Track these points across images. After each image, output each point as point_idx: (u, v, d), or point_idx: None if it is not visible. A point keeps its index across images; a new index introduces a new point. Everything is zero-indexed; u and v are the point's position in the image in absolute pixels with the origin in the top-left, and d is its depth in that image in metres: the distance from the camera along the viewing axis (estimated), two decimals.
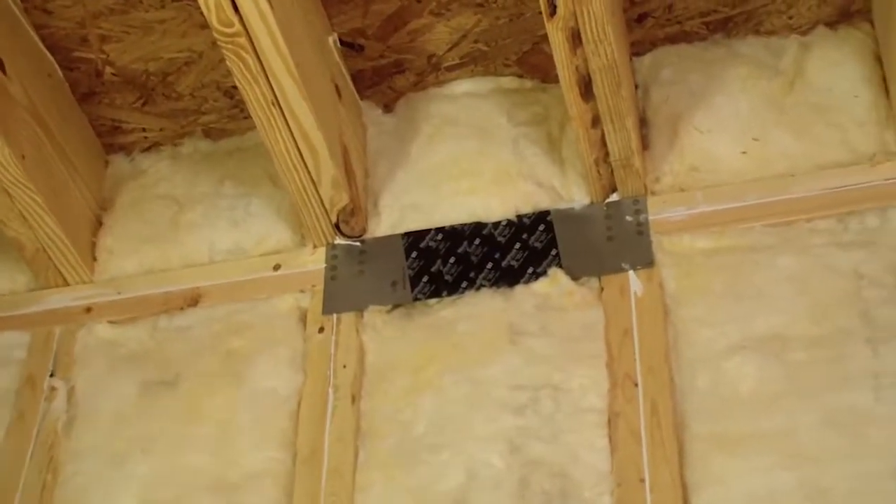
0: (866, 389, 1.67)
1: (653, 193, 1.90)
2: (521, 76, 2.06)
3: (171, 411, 1.89)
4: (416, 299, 1.91)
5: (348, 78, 2.03)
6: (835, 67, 1.93)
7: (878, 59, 1.91)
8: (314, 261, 1.98)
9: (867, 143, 1.86)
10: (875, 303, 1.73)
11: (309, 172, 1.89)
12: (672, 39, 2.01)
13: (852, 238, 1.80)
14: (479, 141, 2.00)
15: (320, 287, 1.95)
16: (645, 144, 1.93)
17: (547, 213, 1.92)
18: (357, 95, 2.06)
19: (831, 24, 1.97)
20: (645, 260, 1.85)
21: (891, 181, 1.82)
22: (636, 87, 1.98)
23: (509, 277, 1.89)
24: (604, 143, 1.83)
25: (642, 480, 1.67)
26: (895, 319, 1.71)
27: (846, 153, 1.86)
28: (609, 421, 1.73)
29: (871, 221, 1.81)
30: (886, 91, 1.88)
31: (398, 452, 1.77)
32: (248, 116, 1.87)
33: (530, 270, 1.88)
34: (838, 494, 1.61)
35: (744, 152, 1.89)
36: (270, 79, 1.79)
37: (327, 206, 1.94)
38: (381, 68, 2.06)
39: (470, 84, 2.07)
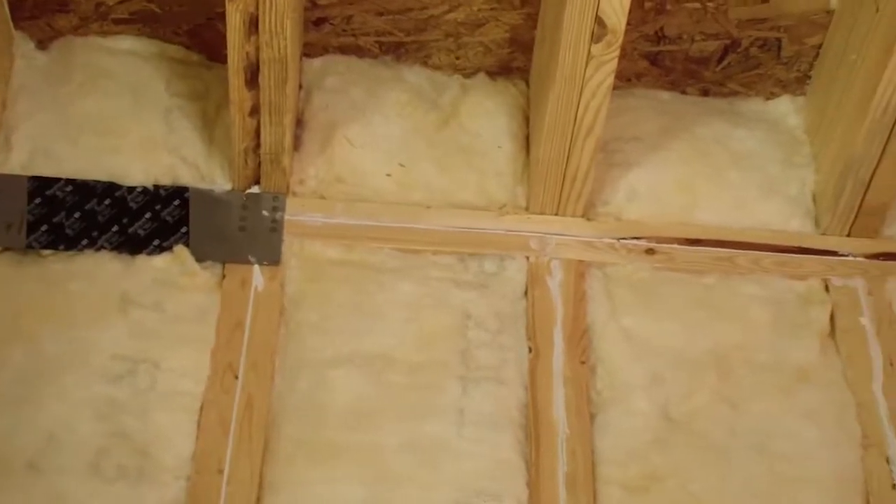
0: (450, 423, 1.74)
1: (294, 194, 1.91)
2: (188, 48, 2.01)
3: None
4: (29, 247, 1.82)
5: (5, 4, 1.91)
6: (487, 115, 2.01)
7: (527, 118, 2.01)
8: None
9: (500, 193, 1.95)
10: (475, 343, 1.82)
11: None
12: (344, 50, 2.03)
13: (469, 279, 1.88)
14: (132, 102, 1.94)
15: None
16: (296, 145, 1.93)
17: (185, 189, 1.89)
18: (12, 24, 1.95)
19: (492, 75, 2.06)
20: (272, 257, 1.85)
21: (513, 233, 1.92)
22: (300, 87, 1.99)
23: (133, 245, 1.84)
24: (257, 135, 1.83)
25: (221, 471, 1.67)
26: (489, 363, 1.80)
27: (480, 198, 1.95)
28: (202, 408, 1.72)
29: (489, 267, 1.89)
30: (528, 149, 1.99)
31: None
32: None
33: (156, 243, 1.84)
34: None
35: (389, 175, 1.94)
36: None
37: None
38: (43, 2, 1.96)
39: (134, 42, 2.00)
